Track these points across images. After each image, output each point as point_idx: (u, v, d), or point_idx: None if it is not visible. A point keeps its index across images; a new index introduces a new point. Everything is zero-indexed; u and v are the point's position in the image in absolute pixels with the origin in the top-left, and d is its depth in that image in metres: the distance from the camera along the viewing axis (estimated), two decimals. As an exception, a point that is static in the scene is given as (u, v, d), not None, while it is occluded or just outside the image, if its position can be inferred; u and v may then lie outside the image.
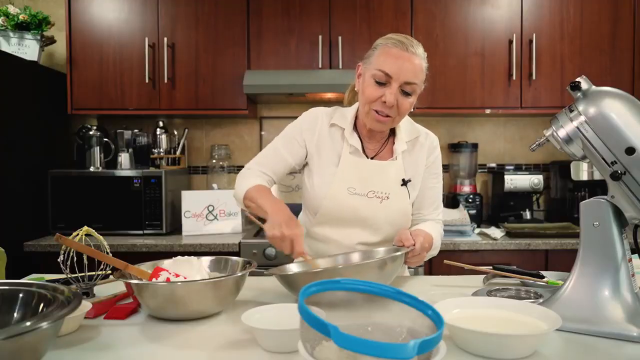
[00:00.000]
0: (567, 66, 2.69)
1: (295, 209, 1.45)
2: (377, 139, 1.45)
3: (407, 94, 1.30)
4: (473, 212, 2.77)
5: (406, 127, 1.46)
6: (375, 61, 1.30)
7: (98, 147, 2.70)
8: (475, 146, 2.91)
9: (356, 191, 1.39)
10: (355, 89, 1.42)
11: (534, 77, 2.67)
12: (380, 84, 1.29)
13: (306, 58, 2.68)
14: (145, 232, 2.57)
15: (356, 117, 1.45)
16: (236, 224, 2.65)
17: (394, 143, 1.45)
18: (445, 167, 3.06)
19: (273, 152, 1.46)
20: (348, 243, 1.42)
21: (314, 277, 1.07)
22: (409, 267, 1.72)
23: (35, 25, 2.65)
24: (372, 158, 1.44)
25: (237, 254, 2.38)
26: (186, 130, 2.94)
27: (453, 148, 2.93)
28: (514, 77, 2.67)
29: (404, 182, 1.41)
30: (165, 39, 2.66)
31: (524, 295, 1.15)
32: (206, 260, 1.25)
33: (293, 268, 1.31)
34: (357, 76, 1.40)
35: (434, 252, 1.43)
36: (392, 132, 1.46)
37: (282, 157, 1.44)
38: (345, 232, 1.42)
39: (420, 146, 1.46)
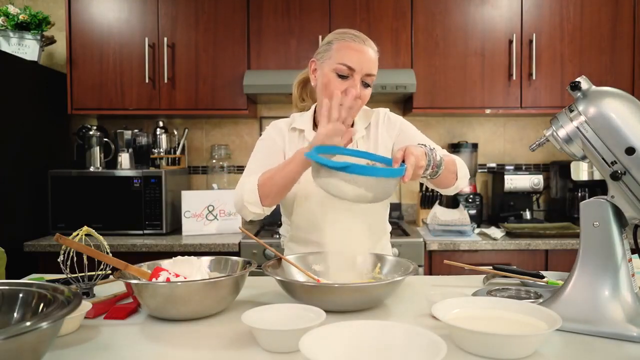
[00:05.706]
0: (567, 66, 2.69)
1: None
2: None
3: (367, 85, 1.33)
4: (473, 212, 2.77)
5: (360, 114, 1.48)
6: (336, 55, 1.31)
7: (98, 147, 2.70)
8: (475, 146, 2.91)
9: None
10: (312, 84, 1.42)
11: (534, 77, 2.67)
12: (342, 77, 1.31)
13: (306, 58, 2.66)
14: (145, 232, 2.57)
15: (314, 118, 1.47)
16: (236, 224, 2.65)
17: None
18: (445, 167, 3.05)
19: (260, 157, 1.45)
20: (328, 242, 1.41)
21: (312, 288, 1.08)
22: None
23: (35, 25, 2.65)
24: None
25: (237, 254, 2.38)
26: (186, 130, 2.94)
27: (453, 148, 2.93)
28: (514, 77, 2.67)
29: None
30: (165, 39, 2.66)
31: (524, 295, 1.15)
32: (206, 260, 1.25)
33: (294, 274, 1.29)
34: (311, 71, 1.41)
35: (443, 168, 1.22)
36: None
37: (270, 159, 1.41)
38: (325, 234, 1.41)
39: (375, 126, 1.47)
